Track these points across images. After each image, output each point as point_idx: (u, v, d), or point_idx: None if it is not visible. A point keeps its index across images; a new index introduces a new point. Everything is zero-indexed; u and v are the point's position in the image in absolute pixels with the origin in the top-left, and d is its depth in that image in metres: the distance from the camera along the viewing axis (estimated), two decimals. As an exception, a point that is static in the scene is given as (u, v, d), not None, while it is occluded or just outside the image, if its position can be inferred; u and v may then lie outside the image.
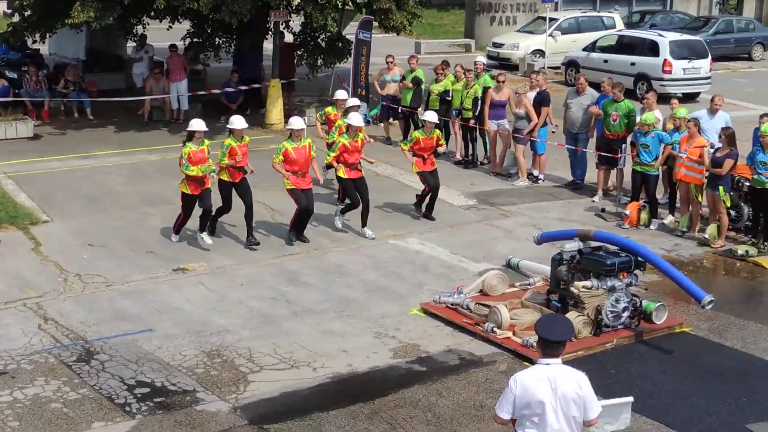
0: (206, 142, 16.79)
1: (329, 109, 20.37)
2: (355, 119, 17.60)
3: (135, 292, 14.68)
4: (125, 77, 29.98)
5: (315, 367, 12.33)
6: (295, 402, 11.45)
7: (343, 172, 17.24)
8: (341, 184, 17.76)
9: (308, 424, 10.90)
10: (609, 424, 8.57)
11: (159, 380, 11.85)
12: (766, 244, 17.15)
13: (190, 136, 16.60)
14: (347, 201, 17.76)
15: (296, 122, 16.95)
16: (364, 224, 17.41)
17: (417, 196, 18.91)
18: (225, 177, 16.82)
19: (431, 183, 18.47)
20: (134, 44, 29.57)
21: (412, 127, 24.21)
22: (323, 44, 28.07)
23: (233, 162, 16.63)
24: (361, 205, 17.35)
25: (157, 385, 11.72)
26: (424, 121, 18.43)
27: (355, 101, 19.56)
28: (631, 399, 8.72)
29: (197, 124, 16.70)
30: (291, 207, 18.59)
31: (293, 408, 11.28)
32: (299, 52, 28.42)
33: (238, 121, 16.88)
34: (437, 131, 18.46)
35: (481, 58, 23.96)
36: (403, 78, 24.21)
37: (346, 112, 18.65)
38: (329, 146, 18.61)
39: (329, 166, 18.21)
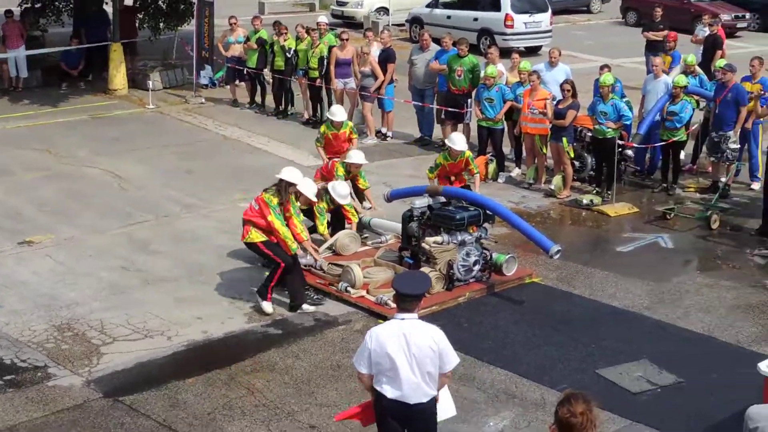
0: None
1: (323, 129, 16.86)
2: (341, 188, 14.46)
3: (-21, 268, 14.27)
4: (-42, 45, 28.93)
5: (169, 336, 12.17)
6: (150, 372, 11.30)
7: None
8: None
9: (164, 394, 10.77)
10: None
11: (8, 357, 11.53)
12: (609, 192, 17.58)
13: (285, 187, 12.80)
14: None
15: (356, 156, 15.08)
16: None
17: None
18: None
19: None
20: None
21: (259, 88, 24.07)
22: (164, 6, 27.58)
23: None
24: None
25: (6, 363, 11.40)
26: (449, 147, 15.67)
27: (360, 157, 15.25)
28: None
29: (290, 174, 12.88)
30: (138, 174, 18.48)
31: (149, 378, 11.13)
32: (140, 15, 27.86)
33: (289, 173, 12.93)
34: (467, 153, 15.68)
35: (323, 18, 23.75)
36: (248, 39, 23.96)
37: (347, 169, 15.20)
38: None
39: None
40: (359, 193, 15.55)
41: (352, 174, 15.15)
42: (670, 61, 20.19)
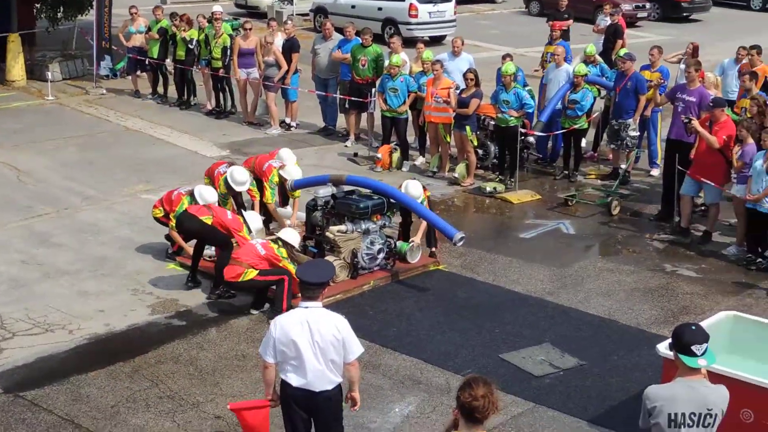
0: None
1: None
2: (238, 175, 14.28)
3: None
4: None
5: (71, 330, 11.98)
6: (52, 366, 11.12)
7: None
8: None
9: (67, 388, 10.61)
10: None
11: None
12: (512, 180, 17.75)
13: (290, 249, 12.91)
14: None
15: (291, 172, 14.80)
16: None
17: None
18: None
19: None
20: None
21: (161, 78, 23.80)
22: (63, -5, 27.11)
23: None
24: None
25: None
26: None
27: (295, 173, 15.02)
28: None
29: (291, 237, 12.88)
30: (37, 166, 18.22)
31: (51, 373, 10.95)
32: (38, 5, 27.33)
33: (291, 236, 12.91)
34: (423, 197, 14.28)
35: (218, 8, 23.32)
36: (149, 29, 23.66)
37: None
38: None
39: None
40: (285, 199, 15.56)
41: (284, 183, 15.00)
42: (564, 51, 20.29)
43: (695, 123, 14.90)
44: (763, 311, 12.57)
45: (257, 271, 12.30)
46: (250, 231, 13.35)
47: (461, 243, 13.68)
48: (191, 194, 13.84)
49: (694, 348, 6.86)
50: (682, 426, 6.81)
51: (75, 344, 11.68)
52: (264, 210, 14.83)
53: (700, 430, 6.85)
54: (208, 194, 13.77)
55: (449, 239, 13.68)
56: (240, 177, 14.09)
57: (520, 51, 28.10)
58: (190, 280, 13.38)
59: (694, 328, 7.03)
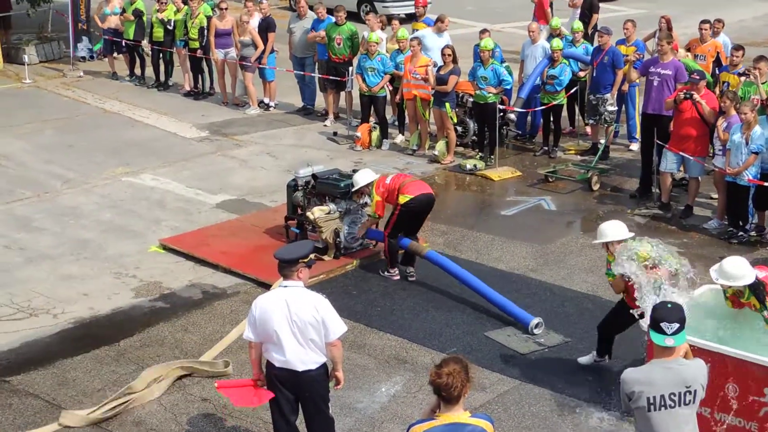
0: None
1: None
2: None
3: None
4: None
5: (55, 314, 11.97)
6: (36, 351, 11.10)
7: None
8: None
9: (53, 373, 10.61)
10: None
11: None
12: (492, 157, 17.77)
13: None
14: None
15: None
16: None
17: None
18: None
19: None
20: None
21: (138, 60, 23.68)
22: (37, -22, 26.92)
23: None
24: None
25: None
26: None
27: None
28: None
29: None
30: (17, 150, 18.17)
31: (36, 358, 10.93)
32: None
33: None
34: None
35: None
36: (124, 11, 23.51)
37: None
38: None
39: None
40: None
41: None
42: (538, 28, 19.99)
43: (697, 96, 14.85)
44: (745, 284, 12.65)
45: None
46: None
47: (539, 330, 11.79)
48: None
49: (663, 325, 6.83)
50: (663, 408, 6.81)
51: (59, 328, 11.66)
52: None
53: (682, 409, 6.85)
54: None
55: (524, 325, 12.04)
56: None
57: (497, 27, 28.06)
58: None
59: (670, 306, 7.03)
